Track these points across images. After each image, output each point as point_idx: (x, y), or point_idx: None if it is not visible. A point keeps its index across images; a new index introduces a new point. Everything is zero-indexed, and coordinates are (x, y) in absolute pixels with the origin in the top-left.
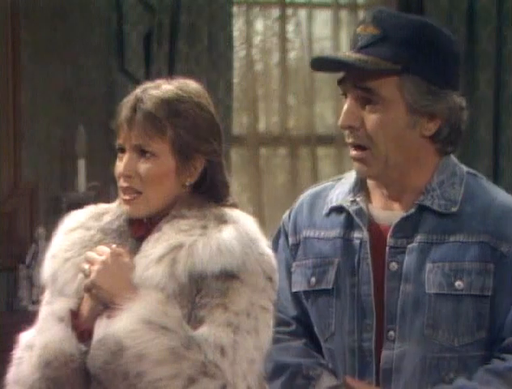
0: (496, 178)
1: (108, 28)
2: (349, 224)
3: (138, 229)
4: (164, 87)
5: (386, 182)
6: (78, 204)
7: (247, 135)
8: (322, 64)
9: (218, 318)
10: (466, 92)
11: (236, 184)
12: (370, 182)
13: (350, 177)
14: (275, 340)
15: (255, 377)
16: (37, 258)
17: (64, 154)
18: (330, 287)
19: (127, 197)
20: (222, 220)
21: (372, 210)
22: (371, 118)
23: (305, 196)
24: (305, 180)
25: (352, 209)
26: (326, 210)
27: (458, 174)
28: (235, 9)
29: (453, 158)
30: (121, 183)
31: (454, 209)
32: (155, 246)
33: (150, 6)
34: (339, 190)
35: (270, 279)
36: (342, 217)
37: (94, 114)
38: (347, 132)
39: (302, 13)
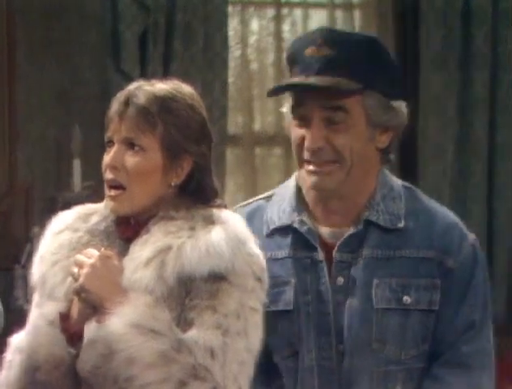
0: (491, 178)
1: (103, 28)
2: (298, 244)
3: (125, 231)
4: (158, 86)
5: (339, 196)
6: (74, 204)
7: (242, 135)
8: (281, 91)
9: (207, 320)
10: (461, 92)
11: (232, 184)
12: (310, 198)
13: (283, 193)
14: None
15: (246, 379)
16: (32, 258)
17: (59, 154)
18: (290, 308)
19: (112, 193)
20: (210, 221)
21: (319, 228)
22: (339, 136)
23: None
24: None
25: (303, 229)
26: (266, 230)
27: (395, 188)
28: (230, 9)
29: (385, 170)
30: (107, 175)
31: (400, 225)
32: (143, 249)
33: (145, 6)
34: (276, 208)
35: (259, 279)
36: (288, 237)
37: (89, 114)
38: (307, 153)
39: (297, 13)
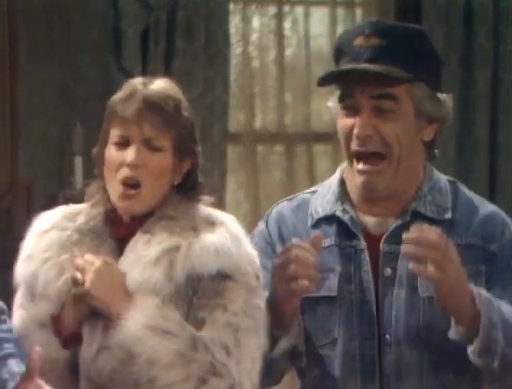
0: (493, 177)
1: (105, 26)
2: (342, 233)
3: (119, 229)
4: (166, 85)
5: (388, 194)
6: (75, 202)
7: (244, 132)
8: (334, 77)
9: (219, 318)
10: (463, 91)
11: (233, 181)
12: (355, 192)
13: (327, 187)
14: None
15: (257, 375)
16: None
17: (61, 151)
18: (333, 294)
19: (131, 192)
20: (210, 222)
21: (361, 218)
22: (387, 125)
23: (282, 209)
24: (302, 177)
25: (345, 218)
26: (311, 221)
27: (441, 181)
28: (232, 6)
29: (430, 164)
30: (125, 173)
31: (447, 216)
32: (148, 248)
33: (147, 4)
34: (321, 200)
35: (258, 278)
36: (333, 226)
37: (91, 112)
38: (356, 142)
39: (299, 10)
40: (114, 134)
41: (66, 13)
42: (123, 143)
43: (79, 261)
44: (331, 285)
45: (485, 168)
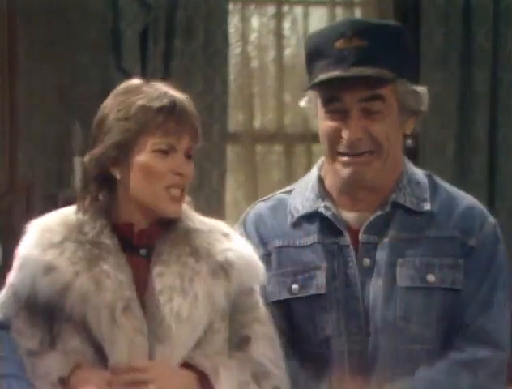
0: (492, 177)
1: (104, 26)
2: (324, 230)
3: (140, 238)
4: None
5: (371, 186)
6: (74, 202)
7: (243, 132)
8: (324, 84)
9: (259, 332)
10: (462, 90)
11: (232, 181)
12: (334, 188)
13: (304, 184)
14: None
15: None
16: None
17: (60, 151)
18: (322, 291)
19: (180, 195)
20: (223, 232)
21: (343, 214)
22: (376, 125)
23: (259, 210)
24: (301, 177)
25: (328, 214)
26: (291, 219)
27: (417, 173)
28: (231, 6)
29: (405, 156)
30: (176, 180)
31: (426, 207)
32: (199, 260)
33: (146, 4)
34: (300, 198)
35: None
36: (315, 223)
37: (90, 112)
38: (346, 145)
39: (298, 10)
40: (155, 142)
41: (66, 13)
42: (165, 151)
43: (137, 375)
44: (319, 283)
45: (484, 168)
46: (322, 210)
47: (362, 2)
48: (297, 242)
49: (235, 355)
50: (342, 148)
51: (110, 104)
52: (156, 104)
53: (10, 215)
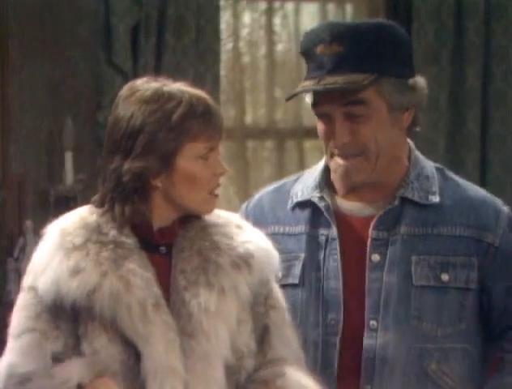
0: (483, 171)
1: (95, 21)
2: (315, 220)
3: (161, 237)
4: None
5: (368, 185)
6: (66, 197)
7: (234, 128)
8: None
9: (276, 320)
10: (454, 85)
11: (224, 177)
12: (337, 181)
13: (313, 171)
14: None
15: None
16: (25, 252)
17: (51, 146)
18: (296, 281)
19: (217, 197)
20: (235, 224)
21: (340, 203)
22: (362, 128)
23: (263, 192)
24: (292, 172)
25: (320, 205)
26: (290, 204)
27: (427, 168)
28: (222, 2)
29: (416, 152)
30: (219, 182)
31: (435, 200)
32: (220, 254)
33: None
34: (303, 184)
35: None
36: (307, 212)
37: (81, 107)
38: (335, 150)
39: (289, 6)
40: (199, 147)
41: (57, 9)
42: (206, 155)
43: None
44: (295, 273)
45: (476, 162)
46: (315, 199)
47: None
48: (287, 230)
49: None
50: (332, 149)
51: (142, 114)
52: (197, 110)
53: (1, 210)
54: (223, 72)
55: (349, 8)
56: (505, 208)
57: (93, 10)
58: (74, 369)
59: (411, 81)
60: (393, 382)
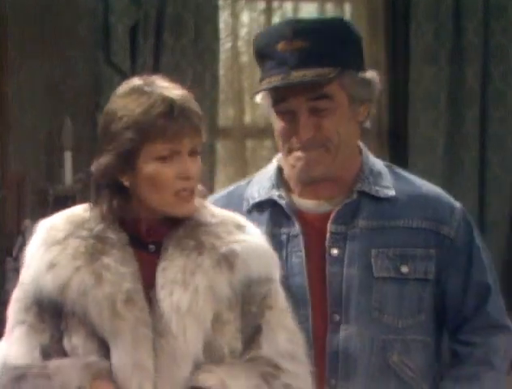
0: (482, 171)
1: (94, 21)
2: (275, 219)
3: (148, 235)
4: (178, 87)
5: (327, 179)
6: (65, 197)
7: (233, 127)
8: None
9: (272, 322)
10: (452, 86)
11: (222, 176)
12: (288, 175)
13: (265, 173)
14: None
15: None
16: (24, 251)
17: (50, 146)
18: None
19: (189, 196)
20: (236, 224)
21: (297, 201)
22: (326, 122)
23: (214, 199)
24: None
25: (281, 202)
26: (246, 206)
27: (377, 164)
28: (221, 1)
29: (365, 147)
30: (183, 185)
31: (391, 193)
32: (203, 253)
33: None
34: (257, 186)
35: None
36: (266, 213)
37: (80, 106)
38: (299, 145)
39: (288, 6)
40: (158, 149)
41: (56, 8)
42: (169, 157)
43: None
44: None
45: (475, 163)
46: (275, 198)
47: None
48: None
49: (240, 360)
50: (295, 146)
51: (112, 110)
52: (154, 110)
53: (0, 209)
54: (221, 72)
55: (348, 7)
56: (459, 204)
57: (92, 10)
58: (72, 372)
59: (368, 74)
60: (357, 374)
